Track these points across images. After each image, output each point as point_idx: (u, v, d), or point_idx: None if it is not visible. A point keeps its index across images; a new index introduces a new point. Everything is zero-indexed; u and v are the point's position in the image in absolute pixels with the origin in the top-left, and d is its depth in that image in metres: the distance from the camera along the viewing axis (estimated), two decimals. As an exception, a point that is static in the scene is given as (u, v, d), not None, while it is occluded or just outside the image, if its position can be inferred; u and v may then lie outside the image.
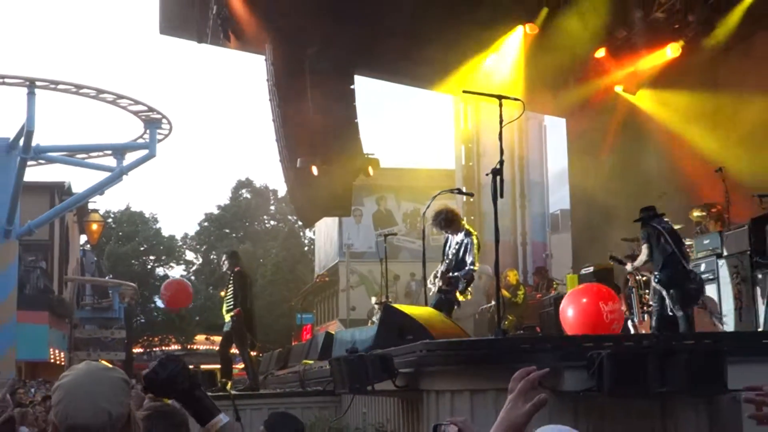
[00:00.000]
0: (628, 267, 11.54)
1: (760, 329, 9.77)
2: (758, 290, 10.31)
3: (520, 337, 10.72)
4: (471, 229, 11.13)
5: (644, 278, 12.89)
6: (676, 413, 5.88)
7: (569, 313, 11.72)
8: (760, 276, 10.27)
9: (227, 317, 12.92)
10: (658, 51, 15.85)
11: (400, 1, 14.45)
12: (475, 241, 10.80)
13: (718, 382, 5.67)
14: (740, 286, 10.67)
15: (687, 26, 15.11)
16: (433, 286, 11.02)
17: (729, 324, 10.85)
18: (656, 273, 10.75)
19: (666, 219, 11.05)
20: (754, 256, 10.47)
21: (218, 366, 13.23)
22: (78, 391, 2.57)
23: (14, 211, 28.99)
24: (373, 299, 18.75)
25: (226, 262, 14.36)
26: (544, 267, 21.18)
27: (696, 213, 12.98)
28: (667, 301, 10.92)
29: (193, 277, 62.05)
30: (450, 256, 10.84)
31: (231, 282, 13.11)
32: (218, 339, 14.15)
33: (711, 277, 11.49)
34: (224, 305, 13.17)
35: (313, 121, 17.16)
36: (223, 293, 13.73)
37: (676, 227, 12.92)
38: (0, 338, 27.98)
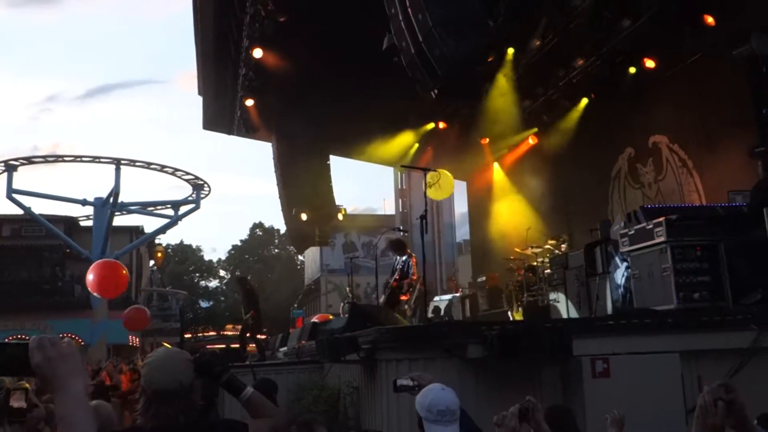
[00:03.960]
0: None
1: (592, 316, 9.82)
2: (590, 291, 10.39)
3: (439, 323, 10.71)
4: (411, 253, 11.16)
5: (518, 284, 12.93)
6: (541, 371, 5.89)
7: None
8: (591, 282, 10.35)
9: (245, 316, 12.98)
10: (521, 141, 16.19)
11: (359, 110, 14.51)
12: (414, 260, 10.83)
13: (567, 350, 5.70)
14: (580, 288, 10.72)
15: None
16: (386, 290, 11.02)
17: (574, 313, 10.92)
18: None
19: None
20: (587, 268, 10.55)
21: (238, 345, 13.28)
22: (159, 366, 2.54)
23: (106, 245, 28.57)
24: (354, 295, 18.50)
25: (237, 286, 14.77)
26: (455, 277, 21.16)
27: (551, 240, 13.08)
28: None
29: (224, 287, 61.22)
30: (397, 270, 10.85)
31: (244, 296, 13.25)
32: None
33: (560, 282, 11.53)
34: (243, 309, 13.23)
35: (302, 185, 17.13)
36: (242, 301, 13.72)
37: (538, 249, 13.04)
38: (97, 330, 27.54)
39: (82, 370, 1.65)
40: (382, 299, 10.93)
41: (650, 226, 7.34)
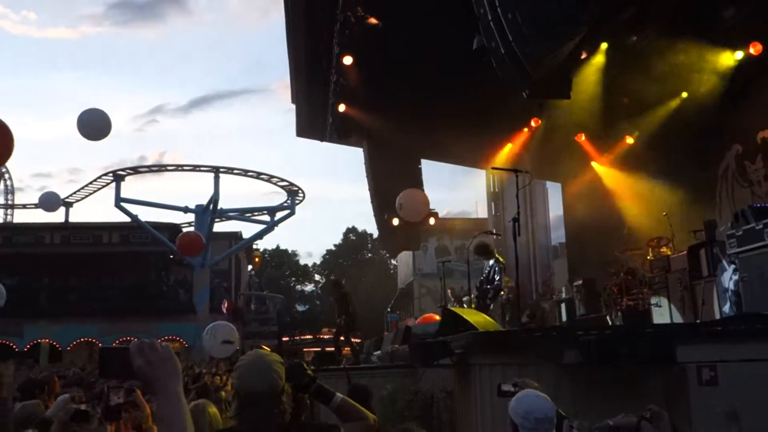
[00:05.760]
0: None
1: (698, 321, 9.40)
2: (695, 295, 9.98)
3: (534, 328, 10.49)
4: (499, 257, 11.03)
5: (617, 288, 12.50)
6: (641, 379, 5.66)
7: None
8: (695, 285, 9.94)
9: (338, 319, 13.15)
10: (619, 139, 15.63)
11: (449, 112, 14.44)
12: (501, 265, 10.69)
13: (670, 357, 5.47)
14: (683, 292, 10.31)
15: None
16: (475, 294, 10.97)
17: (678, 318, 10.49)
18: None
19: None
20: (691, 271, 10.16)
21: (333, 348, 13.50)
22: (251, 369, 2.59)
23: (207, 251, 29.61)
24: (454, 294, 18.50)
25: (331, 289, 15.23)
26: (550, 281, 20.73)
27: (651, 242, 12.62)
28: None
29: (320, 291, 62.25)
30: (485, 275, 10.76)
31: (338, 299, 13.43)
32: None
33: (663, 286, 11.13)
34: (336, 312, 13.42)
35: (394, 189, 17.21)
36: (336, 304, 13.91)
37: (638, 252, 12.54)
38: (200, 331, 28.41)
39: (179, 373, 1.71)
40: (472, 303, 10.88)
41: (760, 227, 6.96)
